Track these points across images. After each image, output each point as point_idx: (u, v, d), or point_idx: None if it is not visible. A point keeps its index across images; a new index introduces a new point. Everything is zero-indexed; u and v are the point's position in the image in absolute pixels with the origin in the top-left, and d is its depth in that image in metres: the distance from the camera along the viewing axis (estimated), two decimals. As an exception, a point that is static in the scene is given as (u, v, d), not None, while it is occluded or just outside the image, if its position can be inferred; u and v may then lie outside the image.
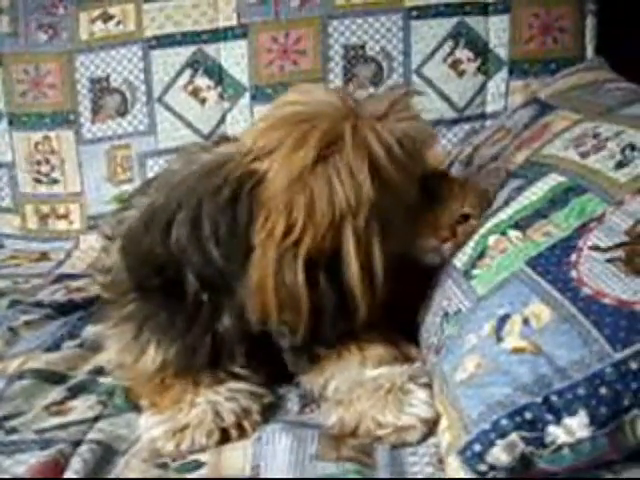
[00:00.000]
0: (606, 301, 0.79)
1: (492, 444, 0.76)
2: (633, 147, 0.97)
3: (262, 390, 1.02)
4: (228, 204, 0.96)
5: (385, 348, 1.04)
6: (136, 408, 1.03)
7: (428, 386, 0.96)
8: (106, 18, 1.72)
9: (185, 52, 1.70)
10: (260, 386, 1.03)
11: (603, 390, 0.74)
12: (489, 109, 1.65)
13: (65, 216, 1.80)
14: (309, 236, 0.93)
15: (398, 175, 0.97)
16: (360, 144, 0.95)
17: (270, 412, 1.00)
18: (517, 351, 0.81)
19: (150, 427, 0.97)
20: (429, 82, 1.64)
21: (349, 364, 1.02)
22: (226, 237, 0.95)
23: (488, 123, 1.64)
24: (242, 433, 0.95)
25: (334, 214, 0.93)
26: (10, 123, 1.79)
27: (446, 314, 1.00)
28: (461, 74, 1.64)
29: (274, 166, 0.95)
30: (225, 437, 0.95)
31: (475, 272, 0.99)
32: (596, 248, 0.86)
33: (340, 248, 0.94)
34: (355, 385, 0.98)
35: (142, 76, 1.72)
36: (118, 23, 1.72)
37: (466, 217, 1.13)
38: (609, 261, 0.84)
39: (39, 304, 1.42)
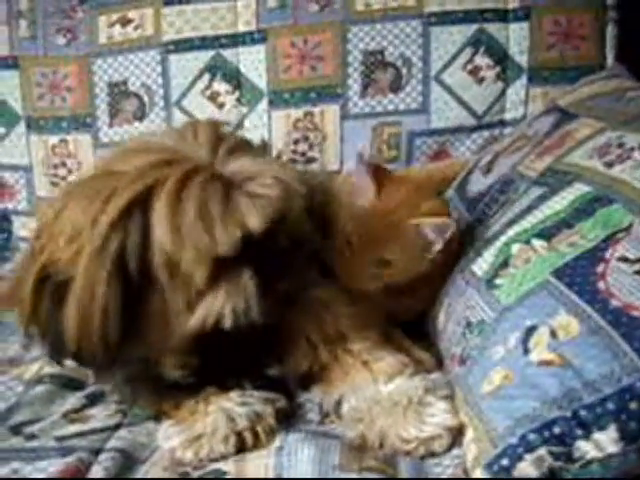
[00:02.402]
0: (636, 314, 0.78)
1: (520, 459, 0.75)
2: (660, 157, 0.96)
3: (274, 395, 1.01)
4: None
5: (390, 357, 1.04)
6: (156, 417, 1.03)
7: (448, 397, 0.96)
8: (124, 22, 1.71)
9: (203, 57, 1.68)
10: (272, 392, 1.02)
11: (633, 405, 0.73)
12: (508, 116, 1.64)
13: (81, 220, 1.79)
14: (49, 246, 0.93)
15: (175, 243, 0.91)
16: (141, 181, 0.92)
17: (291, 422, 1.00)
18: (545, 364, 0.81)
19: (169, 437, 0.97)
20: (448, 89, 1.63)
21: (360, 383, 1.02)
22: None
23: (507, 130, 1.63)
24: (257, 438, 0.95)
25: (73, 231, 0.92)
26: (28, 126, 1.78)
27: (469, 324, 0.99)
28: (480, 81, 1.63)
29: None
30: (242, 443, 0.94)
31: (498, 281, 0.99)
32: (624, 259, 0.85)
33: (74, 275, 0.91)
34: (372, 403, 0.97)
35: (160, 80, 1.71)
36: (136, 27, 1.71)
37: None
38: (638, 273, 0.83)
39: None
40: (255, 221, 0.92)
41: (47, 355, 1.03)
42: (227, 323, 0.94)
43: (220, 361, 0.98)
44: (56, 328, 0.93)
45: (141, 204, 0.91)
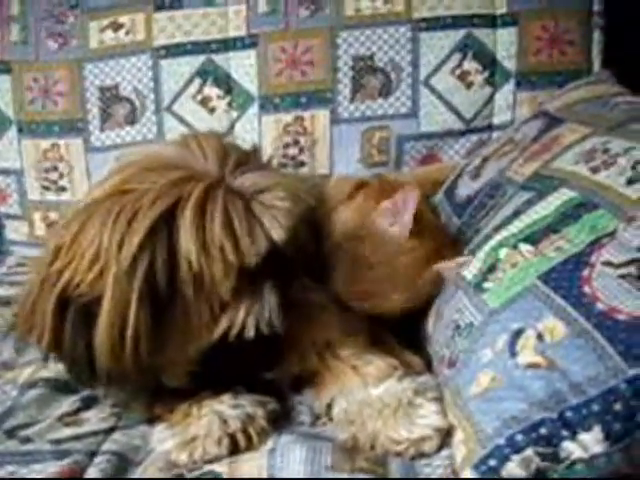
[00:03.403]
0: (620, 317, 0.80)
1: (507, 459, 0.77)
2: (644, 163, 0.98)
3: (266, 398, 1.03)
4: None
5: (379, 360, 1.06)
6: (149, 420, 1.04)
7: (437, 399, 0.97)
8: (116, 27, 1.72)
9: (194, 61, 1.69)
10: (264, 394, 1.03)
11: (618, 406, 0.75)
12: (496, 120, 1.66)
13: (73, 223, 1.80)
14: (71, 267, 0.94)
15: (203, 258, 0.92)
16: (165, 199, 0.93)
17: (283, 424, 1.02)
18: (532, 366, 0.82)
19: (163, 440, 0.98)
20: (437, 93, 1.65)
21: (350, 386, 1.03)
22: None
23: (495, 135, 1.64)
24: (249, 439, 0.97)
25: (96, 252, 0.92)
26: (19, 130, 1.78)
27: (458, 327, 1.01)
28: (469, 86, 1.65)
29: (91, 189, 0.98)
30: (235, 444, 0.96)
31: (486, 285, 1.00)
32: (609, 264, 0.87)
33: (101, 297, 0.92)
34: (363, 405, 0.99)
35: (151, 85, 1.72)
36: (128, 32, 1.72)
37: None
38: (622, 277, 0.84)
39: (49, 312, 1.43)
40: (278, 232, 0.95)
41: (72, 378, 1.03)
42: (250, 333, 0.96)
43: (221, 368, 0.99)
44: (83, 351, 0.93)
45: (166, 222, 0.92)
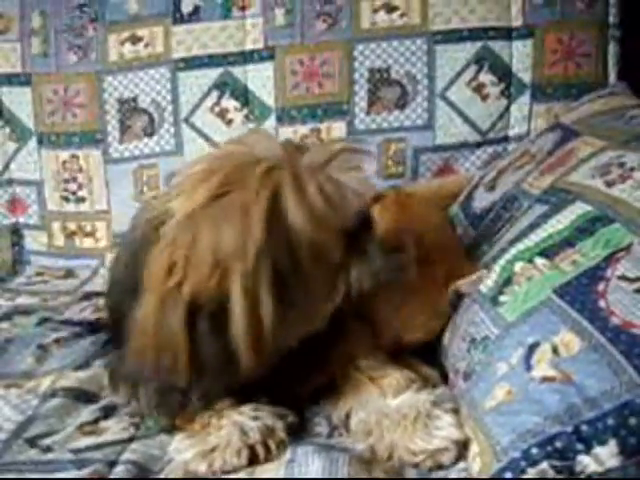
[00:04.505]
0: (635, 331, 0.81)
1: (523, 472, 0.78)
2: (659, 178, 0.98)
3: (285, 410, 1.03)
4: (138, 248, 1.01)
5: (397, 373, 1.06)
6: (168, 430, 1.05)
7: (454, 411, 0.98)
8: (135, 40, 1.75)
9: (212, 74, 1.72)
10: (283, 407, 1.04)
11: (633, 420, 0.76)
12: (512, 132, 1.67)
13: (91, 234, 1.82)
14: (191, 278, 0.93)
15: (315, 228, 0.95)
16: (264, 190, 0.94)
17: (300, 435, 1.02)
18: (547, 380, 0.83)
19: (182, 450, 0.99)
20: (453, 105, 1.66)
21: (369, 397, 1.04)
22: (134, 283, 0.99)
23: (511, 146, 1.65)
24: (268, 451, 0.97)
25: (216, 257, 0.93)
26: (39, 142, 1.82)
27: (473, 340, 1.02)
28: (484, 98, 1.66)
29: (178, 201, 0.98)
30: (254, 455, 0.96)
31: (502, 299, 1.01)
32: (624, 278, 0.87)
33: (228, 295, 0.92)
34: (380, 416, 0.99)
35: (169, 97, 1.74)
36: (146, 45, 1.74)
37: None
38: (637, 291, 0.85)
39: (68, 322, 1.44)
40: (365, 188, 1.01)
41: (202, 394, 1.01)
42: (366, 286, 1.00)
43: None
44: (221, 356, 0.94)
45: (274, 209, 0.94)
